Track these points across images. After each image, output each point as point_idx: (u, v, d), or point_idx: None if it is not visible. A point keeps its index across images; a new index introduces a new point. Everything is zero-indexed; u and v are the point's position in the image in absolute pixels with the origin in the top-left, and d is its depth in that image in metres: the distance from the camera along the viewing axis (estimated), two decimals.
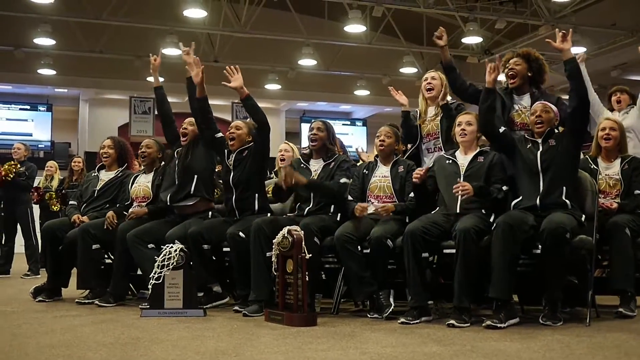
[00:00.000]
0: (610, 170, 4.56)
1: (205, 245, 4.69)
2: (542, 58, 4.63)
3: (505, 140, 4.26)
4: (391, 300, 4.18)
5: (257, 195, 4.80)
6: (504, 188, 4.18)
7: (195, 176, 4.98)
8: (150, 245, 4.81)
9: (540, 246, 3.87)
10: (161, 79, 5.45)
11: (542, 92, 4.59)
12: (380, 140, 4.64)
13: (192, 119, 5.08)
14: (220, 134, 4.96)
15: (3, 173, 7.90)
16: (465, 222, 3.94)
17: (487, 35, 14.49)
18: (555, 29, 4.28)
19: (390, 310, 4.11)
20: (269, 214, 4.82)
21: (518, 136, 4.30)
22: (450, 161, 4.38)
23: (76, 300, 4.97)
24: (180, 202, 4.97)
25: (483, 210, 4.14)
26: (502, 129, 4.27)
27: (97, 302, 4.86)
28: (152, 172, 5.35)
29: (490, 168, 4.23)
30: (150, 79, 16.24)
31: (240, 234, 4.50)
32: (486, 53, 15.21)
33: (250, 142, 4.86)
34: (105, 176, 5.51)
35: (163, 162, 5.36)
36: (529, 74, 4.55)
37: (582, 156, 4.57)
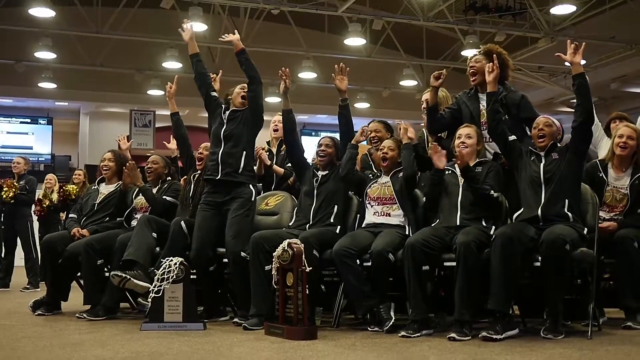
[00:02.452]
0: (619, 182, 4.41)
1: (211, 267, 4.69)
2: (505, 53, 4.56)
3: (513, 149, 4.27)
4: (392, 313, 4.16)
5: (244, 152, 4.78)
6: (495, 193, 4.20)
7: None
8: (154, 234, 4.84)
9: (539, 258, 3.86)
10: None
11: (507, 89, 4.53)
12: (383, 153, 4.64)
13: (207, 144, 5.12)
14: (215, 93, 5.07)
15: (4, 195, 7.99)
16: (465, 235, 3.94)
17: None
18: (568, 40, 4.22)
19: (391, 323, 4.09)
20: (251, 186, 4.76)
21: (525, 148, 4.29)
22: (450, 172, 4.38)
23: (76, 314, 4.95)
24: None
25: (484, 223, 4.14)
26: (511, 138, 4.27)
27: (85, 314, 4.80)
28: (158, 185, 5.42)
29: (485, 175, 4.25)
30: (150, 92, 16.28)
31: (242, 254, 4.48)
32: None
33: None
34: (106, 189, 5.52)
35: (170, 178, 5.48)
36: None
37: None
